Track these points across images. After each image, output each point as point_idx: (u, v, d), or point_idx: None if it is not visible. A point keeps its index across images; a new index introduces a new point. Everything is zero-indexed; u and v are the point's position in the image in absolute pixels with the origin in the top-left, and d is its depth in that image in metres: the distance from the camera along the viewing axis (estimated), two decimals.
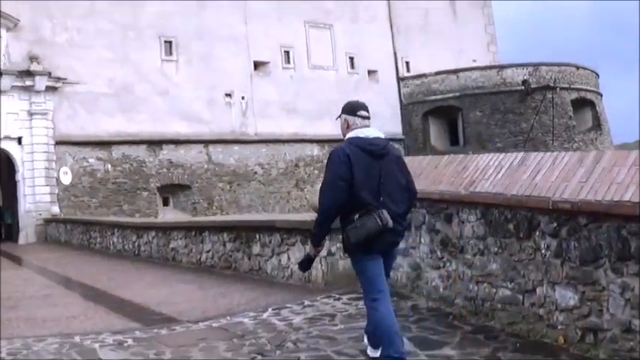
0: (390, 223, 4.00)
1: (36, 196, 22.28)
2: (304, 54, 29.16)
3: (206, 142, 26.14)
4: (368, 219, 3.99)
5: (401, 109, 31.80)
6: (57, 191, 22.69)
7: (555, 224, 4.48)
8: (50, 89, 22.64)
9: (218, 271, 9.63)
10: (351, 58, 30.55)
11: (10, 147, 22.29)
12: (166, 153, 25.23)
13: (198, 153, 26.01)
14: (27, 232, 21.95)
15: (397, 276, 6.23)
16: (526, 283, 4.78)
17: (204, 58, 26.20)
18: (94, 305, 7.78)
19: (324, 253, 7.21)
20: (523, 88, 30.11)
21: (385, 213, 4.00)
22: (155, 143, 24.93)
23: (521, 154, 5.14)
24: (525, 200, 4.64)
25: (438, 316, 5.41)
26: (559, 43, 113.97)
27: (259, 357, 4.67)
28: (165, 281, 9.40)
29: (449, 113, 31.35)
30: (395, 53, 32.28)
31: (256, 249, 8.81)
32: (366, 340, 4.43)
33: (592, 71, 33.50)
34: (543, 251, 4.60)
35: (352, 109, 4.32)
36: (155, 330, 5.80)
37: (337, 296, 6.36)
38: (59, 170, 22.78)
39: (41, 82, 22.32)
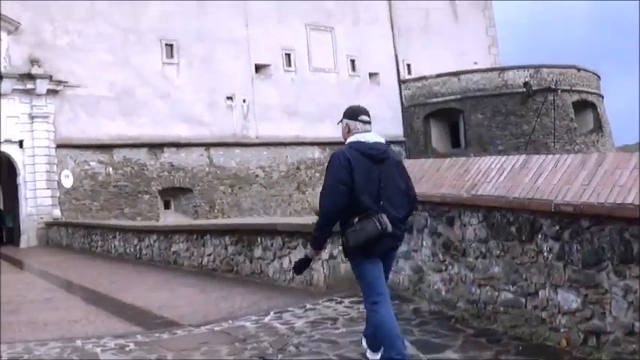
0: (390, 227, 4.01)
1: (37, 200, 22.27)
2: (305, 57, 29.15)
3: (207, 145, 26.12)
4: (367, 223, 4.00)
5: (402, 111, 31.79)
6: (58, 194, 22.69)
7: (558, 227, 4.47)
8: (51, 92, 22.65)
9: (220, 275, 9.63)
10: (352, 61, 30.54)
11: (12, 150, 22.30)
12: (167, 156, 25.23)
13: (200, 156, 26.00)
14: (28, 236, 21.94)
15: (399, 279, 6.22)
16: (528, 286, 4.77)
17: (205, 60, 26.20)
18: (96, 309, 7.78)
19: (325, 256, 7.22)
20: (524, 90, 30.09)
21: (385, 217, 4.01)
22: (156, 146, 24.92)
23: (523, 156, 5.15)
24: (527, 203, 4.65)
25: (440, 319, 5.39)
26: (559, 43, 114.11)
27: None
28: (166, 285, 9.40)
29: (450, 116, 31.33)
30: (396, 55, 32.28)
31: (258, 252, 8.80)
32: (364, 343, 4.43)
33: (593, 73, 33.49)
34: (546, 254, 4.59)
35: (353, 113, 4.34)
36: (157, 334, 5.79)
37: (339, 300, 6.35)
38: (60, 173, 22.78)
39: (42, 86, 22.33)
